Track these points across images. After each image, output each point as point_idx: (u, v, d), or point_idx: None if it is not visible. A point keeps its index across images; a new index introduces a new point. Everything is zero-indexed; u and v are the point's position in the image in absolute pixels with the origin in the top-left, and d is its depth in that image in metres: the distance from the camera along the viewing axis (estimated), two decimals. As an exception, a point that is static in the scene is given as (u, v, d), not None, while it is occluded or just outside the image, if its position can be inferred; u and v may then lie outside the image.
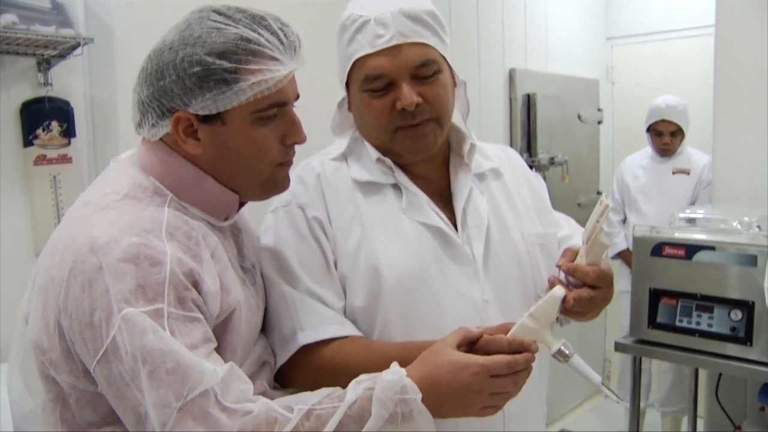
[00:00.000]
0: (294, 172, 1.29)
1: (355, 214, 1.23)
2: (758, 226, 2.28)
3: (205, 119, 1.00)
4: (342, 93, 1.30)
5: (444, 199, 1.29)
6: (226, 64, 0.97)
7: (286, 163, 1.10)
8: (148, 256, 0.91)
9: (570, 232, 1.43)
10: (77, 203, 1.03)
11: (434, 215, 1.24)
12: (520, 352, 1.00)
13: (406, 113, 1.19)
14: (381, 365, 1.11)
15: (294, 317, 1.17)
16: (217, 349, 0.98)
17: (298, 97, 1.09)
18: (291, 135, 1.07)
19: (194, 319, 0.93)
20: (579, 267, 1.15)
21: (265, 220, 1.28)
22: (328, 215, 1.23)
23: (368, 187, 1.26)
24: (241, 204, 1.14)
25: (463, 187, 1.29)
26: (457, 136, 1.33)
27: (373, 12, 1.18)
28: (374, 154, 1.27)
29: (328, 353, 1.16)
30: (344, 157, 1.31)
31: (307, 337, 1.16)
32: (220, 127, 1.01)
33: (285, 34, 1.03)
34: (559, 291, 1.04)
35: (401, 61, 1.18)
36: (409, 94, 1.17)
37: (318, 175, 1.27)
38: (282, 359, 1.18)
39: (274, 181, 1.09)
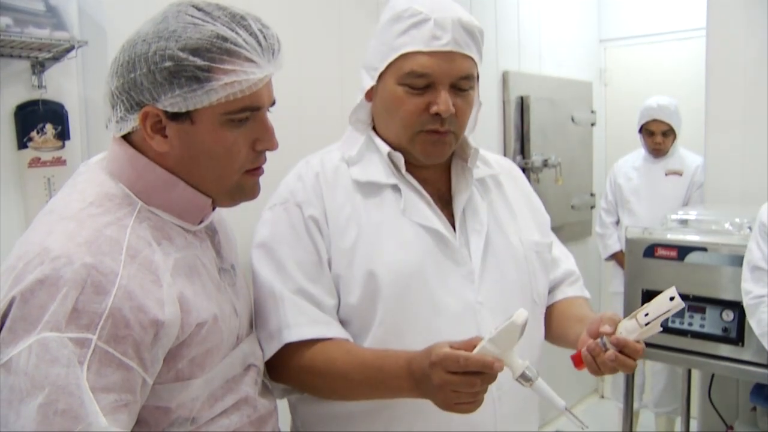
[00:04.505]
0: (293, 170, 1.31)
1: (352, 214, 1.24)
2: (749, 227, 2.29)
3: (174, 116, 0.96)
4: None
5: (443, 201, 1.30)
6: (199, 62, 0.93)
7: (256, 171, 1.06)
8: (95, 282, 0.87)
9: (558, 254, 1.46)
10: (45, 209, 0.99)
11: (432, 217, 1.25)
12: (478, 372, 0.98)
13: (437, 119, 1.21)
14: (358, 370, 1.14)
15: (282, 315, 1.19)
16: (181, 364, 0.96)
17: (274, 102, 1.05)
18: (262, 141, 1.03)
19: (121, 364, 0.87)
20: (630, 343, 1.08)
21: (262, 216, 1.29)
22: (325, 214, 1.24)
23: (367, 188, 1.27)
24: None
25: (463, 190, 1.30)
26: (461, 140, 1.35)
27: (434, 13, 1.19)
28: (385, 148, 1.27)
29: (310, 354, 1.18)
30: (348, 160, 1.30)
31: (291, 336, 1.18)
32: (188, 126, 0.97)
33: (264, 36, 0.99)
34: (519, 318, 0.99)
35: (449, 68, 1.20)
36: (447, 101, 1.19)
37: (317, 174, 1.28)
38: (267, 355, 1.19)
39: (241, 188, 1.05)
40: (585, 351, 1.11)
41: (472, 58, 1.22)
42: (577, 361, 1.13)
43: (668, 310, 1.06)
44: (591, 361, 1.11)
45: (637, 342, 1.08)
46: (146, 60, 0.95)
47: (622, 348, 1.08)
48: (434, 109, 1.20)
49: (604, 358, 1.08)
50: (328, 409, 1.26)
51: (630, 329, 1.09)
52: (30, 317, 0.85)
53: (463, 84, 1.22)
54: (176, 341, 0.95)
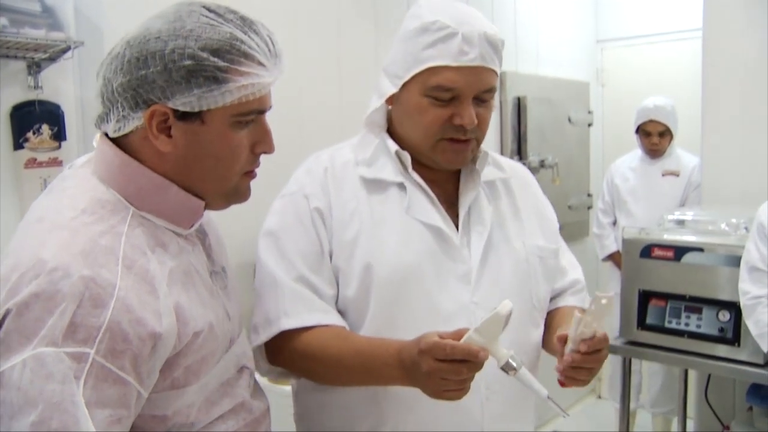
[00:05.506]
0: (304, 164, 1.35)
1: (356, 208, 1.27)
2: (746, 228, 2.30)
3: (184, 116, 0.95)
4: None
5: (449, 202, 1.32)
6: (219, 63, 0.93)
7: (251, 173, 1.06)
8: (94, 295, 0.85)
9: (566, 263, 1.46)
10: (32, 215, 0.96)
11: (435, 215, 1.27)
12: (464, 360, 1.01)
13: (460, 129, 1.23)
14: (351, 356, 1.18)
15: (281, 302, 1.23)
16: (177, 373, 0.96)
17: (271, 107, 1.06)
18: (261, 144, 1.03)
19: (118, 380, 0.86)
20: (593, 340, 1.12)
21: (273, 205, 1.33)
22: (330, 207, 1.27)
23: (374, 185, 1.29)
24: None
25: (470, 191, 1.32)
26: None
27: (461, 26, 1.20)
28: (393, 146, 1.29)
29: (305, 339, 1.21)
30: (358, 159, 1.32)
31: (290, 323, 1.21)
32: (198, 126, 0.96)
33: (272, 41, 1.00)
34: (504, 309, 1.02)
35: (475, 83, 1.21)
36: (471, 114, 1.22)
37: (325, 169, 1.31)
38: (263, 339, 1.23)
39: (238, 190, 1.05)
40: (560, 376, 1.17)
41: (495, 71, 1.25)
42: (562, 384, 1.18)
43: (598, 316, 1.10)
44: (571, 381, 1.16)
45: (593, 337, 1.12)
46: (162, 57, 0.93)
47: (591, 345, 1.12)
48: (458, 121, 1.22)
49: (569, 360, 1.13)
50: (324, 398, 1.30)
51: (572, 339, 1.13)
52: (25, 331, 0.83)
53: (485, 96, 1.25)
54: (173, 351, 0.94)
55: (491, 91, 1.25)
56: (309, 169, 1.33)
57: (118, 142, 1.00)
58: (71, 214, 0.92)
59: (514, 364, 1.05)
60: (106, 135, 1.01)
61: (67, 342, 0.83)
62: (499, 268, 1.29)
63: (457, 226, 1.29)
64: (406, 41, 1.25)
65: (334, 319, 1.24)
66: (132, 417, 0.90)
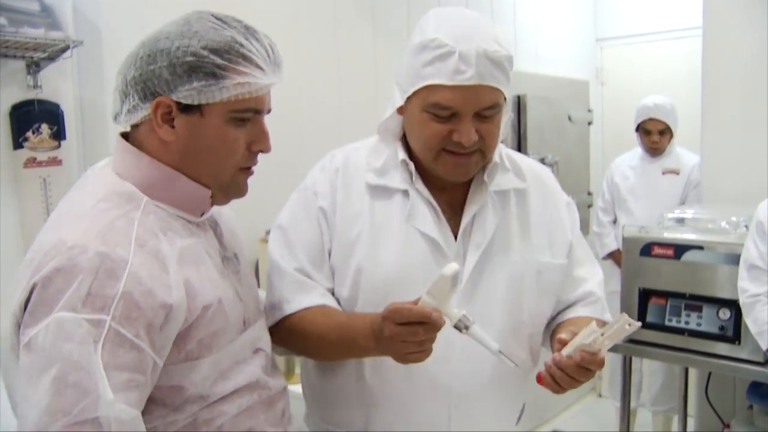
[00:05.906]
0: (321, 161, 1.39)
1: (360, 212, 1.30)
2: (746, 226, 2.30)
3: (186, 108, 1.05)
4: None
5: (454, 210, 1.32)
6: (218, 60, 1.04)
7: (248, 170, 1.15)
8: (108, 268, 0.95)
9: (583, 273, 1.42)
10: (56, 212, 1.08)
11: (433, 225, 1.28)
12: (421, 322, 1.07)
13: (460, 144, 1.22)
14: (334, 331, 1.25)
15: (284, 289, 1.30)
16: (191, 346, 1.04)
17: (270, 110, 1.14)
18: (258, 142, 1.12)
19: (133, 346, 0.95)
20: (594, 356, 1.13)
21: (291, 196, 1.38)
22: (335, 208, 1.31)
23: (380, 190, 1.31)
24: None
25: (475, 201, 1.31)
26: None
27: (459, 44, 1.19)
28: (401, 155, 1.30)
29: (297, 319, 1.28)
30: (369, 166, 1.33)
31: (291, 308, 1.29)
32: (197, 119, 1.06)
33: (272, 50, 1.10)
34: (448, 270, 1.07)
35: (473, 101, 1.20)
36: (469, 132, 1.21)
37: (337, 169, 1.34)
38: (269, 323, 1.30)
39: (235, 184, 1.14)
40: (544, 371, 1.16)
41: (497, 89, 1.23)
42: (539, 379, 1.18)
43: (619, 335, 1.12)
44: (549, 380, 1.16)
45: (595, 354, 1.12)
46: (168, 54, 1.04)
47: (586, 359, 1.12)
48: (456, 138, 1.22)
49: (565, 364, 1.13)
50: (320, 378, 1.37)
51: (574, 344, 1.14)
52: (48, 301, 0.93)
53: (487, 113, 1.23)
54: (185, 324, 1.03)
55: (494, 107, 1.23)
56: (323, 166, 1.36)
57: (130, 141, 1.10)
58: (90, 203, 1.03)
59: (467, 323, 1.10)
60: (122, 136, 1.12)
61: (85, 309, 0.93)
62: (491, 281, 1.29)
63: (457, 236, 1.29)
64: (410, 56, 1.25)
65: (328, 301, 1.29)
66: (149, 386, 0.99)
